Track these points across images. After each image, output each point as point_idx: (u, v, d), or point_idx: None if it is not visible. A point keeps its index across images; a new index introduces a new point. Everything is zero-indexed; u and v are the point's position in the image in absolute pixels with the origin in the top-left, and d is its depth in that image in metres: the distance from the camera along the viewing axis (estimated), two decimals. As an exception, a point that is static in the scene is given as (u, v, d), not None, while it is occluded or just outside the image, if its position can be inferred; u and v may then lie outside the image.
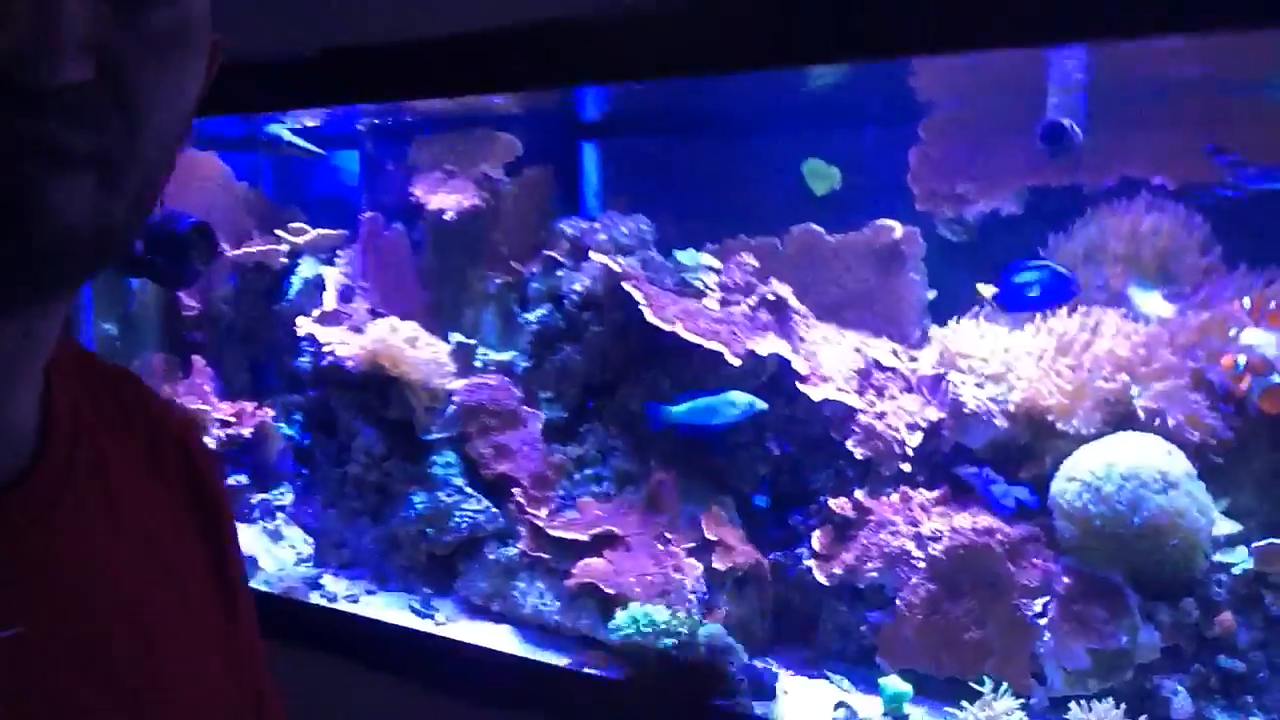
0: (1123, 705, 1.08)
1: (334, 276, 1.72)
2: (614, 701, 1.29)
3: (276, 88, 1.41)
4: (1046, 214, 1.40)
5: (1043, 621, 1.16)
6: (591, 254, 1.48)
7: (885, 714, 1.16)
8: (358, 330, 1.64)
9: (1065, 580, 1.15)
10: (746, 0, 1.02)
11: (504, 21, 1.15)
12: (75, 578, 0.49)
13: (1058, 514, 1.17)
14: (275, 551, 1.58)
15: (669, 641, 1.25)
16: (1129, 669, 1.11)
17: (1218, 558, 1.14)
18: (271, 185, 1.90)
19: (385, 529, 1.54)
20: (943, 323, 1.43)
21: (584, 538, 1.40)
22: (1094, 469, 1.13)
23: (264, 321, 1.79)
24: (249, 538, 1.59)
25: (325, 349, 1.59)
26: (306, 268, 1.76)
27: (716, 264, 1.49)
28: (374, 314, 1.68)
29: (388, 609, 1.48)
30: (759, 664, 1.29)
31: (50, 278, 0.43)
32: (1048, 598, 1.17)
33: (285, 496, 1.65)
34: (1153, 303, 1.33)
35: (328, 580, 1.54)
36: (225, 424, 1.69)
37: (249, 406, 1.72)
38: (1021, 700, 1.13)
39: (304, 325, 1.64)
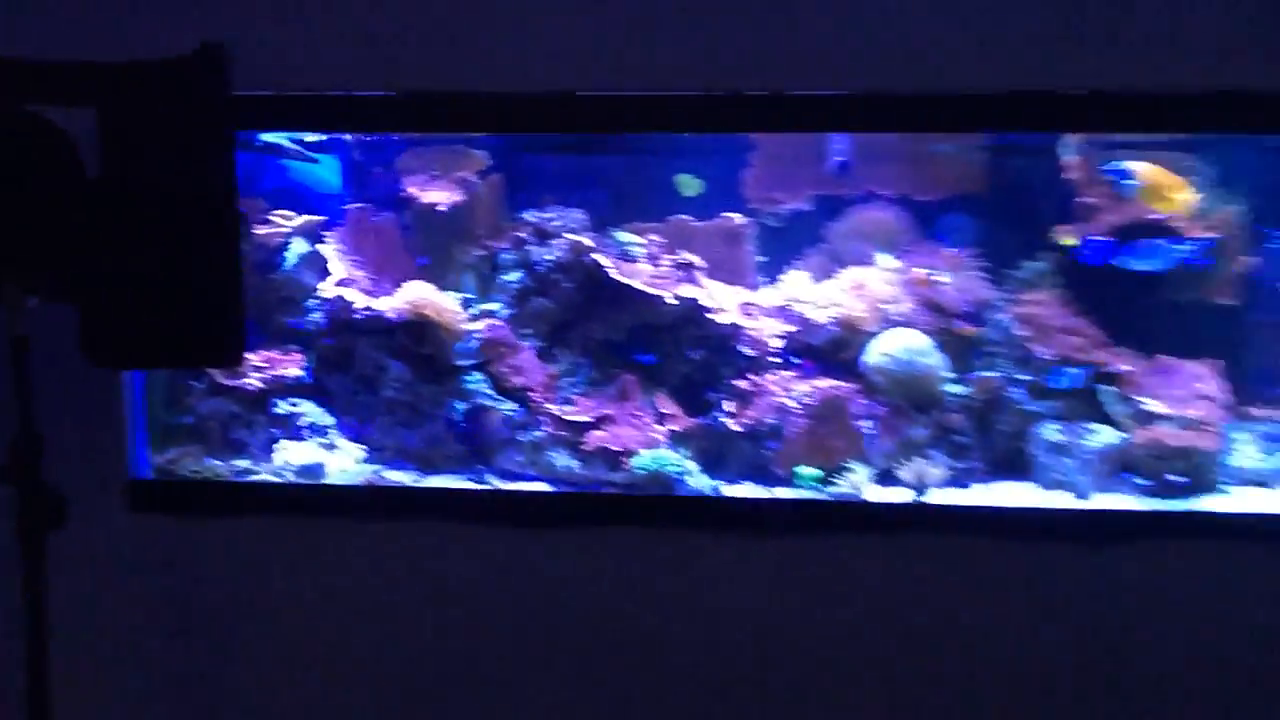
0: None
1: (331, 253, 2.25)
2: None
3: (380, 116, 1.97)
4: (827, 211, 2.41)
5: (870, 431, 2.17)
6: (565, 234, 2.22)
7: (810, 487, 2.08)
8: (369, 293, 2.21)
9: (878, 407, 2.17)
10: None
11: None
12: None
13: (869, 373, 2.18)
14: (333, 459, 2.11)
15: (675, 470, 2.07)
16: (915, 454, 2.16)
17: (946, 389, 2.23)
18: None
19: (427, 431, 2.15)
20: (770, 278, 2.39)
21: (589, 418, 2.15)
22: (892, 349, 2.16)
23: (261, 288, 2.25)
24: (309, 450, 2.11)
25: (357, 305, 2.15)
26: (299, 245, 2.26)
27: (642, 240, 2.30)
28: (371, 280, 2.25)
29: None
30: (712, 482, 2.15)
31: None
32: (869, 420, 2.18)
33: (327, 419, 2.17)
34: (887, 261, 2.39)
35: (387, 473, 2.12)
36: (258, 369, 2.16)
37: (275, 354, 2.19)
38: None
39: (327, 289, 2.18)
